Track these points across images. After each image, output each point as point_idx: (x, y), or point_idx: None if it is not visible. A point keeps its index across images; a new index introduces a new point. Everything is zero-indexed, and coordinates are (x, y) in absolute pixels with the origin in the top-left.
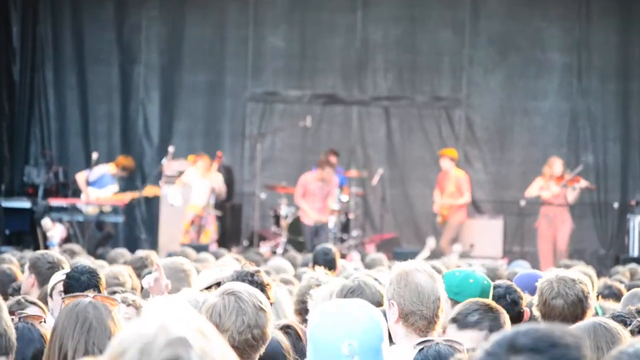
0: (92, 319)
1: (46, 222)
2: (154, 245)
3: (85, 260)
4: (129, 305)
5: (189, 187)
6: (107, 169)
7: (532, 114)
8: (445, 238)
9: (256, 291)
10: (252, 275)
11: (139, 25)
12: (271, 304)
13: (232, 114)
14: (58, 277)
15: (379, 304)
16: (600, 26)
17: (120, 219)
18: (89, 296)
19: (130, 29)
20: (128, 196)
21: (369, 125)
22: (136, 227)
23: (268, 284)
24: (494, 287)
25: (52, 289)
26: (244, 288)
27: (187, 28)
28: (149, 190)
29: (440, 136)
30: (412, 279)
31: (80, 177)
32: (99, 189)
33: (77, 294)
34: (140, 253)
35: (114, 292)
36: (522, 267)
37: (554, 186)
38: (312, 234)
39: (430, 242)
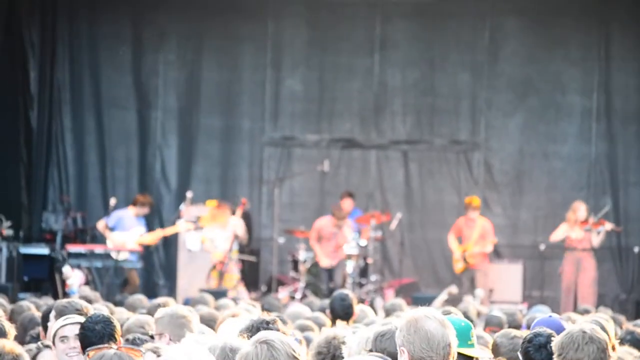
0: None
1: (67, 269)
2: (172, 290)
3: (101, 307)
4: (159, 355)
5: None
6: (124, 212)
7: (551, 157)
8: (483, 286)
9: (290, 340)
10: (268, 323)
11: (156, 70)
12: None
13: (250, 159)
14: (59, 324)
15: None
16: (620, 68)
17: (138, 264)
18: (112, 348)
19: (148, 73)
20: (158, 234)
21: (387, 169)
22: (154, 272)
23: (285, 333)
24: (535, 336)
25: (54, 335)
26: (277, 337)
27: (204, 72)
28: (180, 226)
29: (459, 180)
30: (422, 325)
31: (100, 224)
32: (123, 232)
33: (101, 346)
34: (158, 300)
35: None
36: (541, 312)
37: (579, 230)
38: (328, 277)
39: (452, 288)
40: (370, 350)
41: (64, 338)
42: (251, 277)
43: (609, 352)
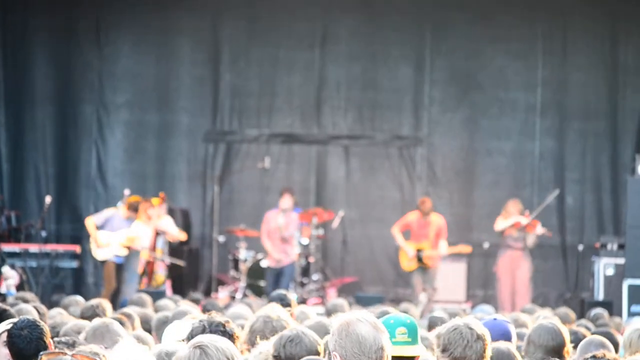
0: None
1: (6, 269)
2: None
3: (30, 309)
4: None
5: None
6: (114, 212)
7: (495, 153)
8: (432, 286)
9: (227, 344)
10: (223, 325)
11: (91, 64)
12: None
13: (188, 155)
14: (2, 327)
15: (317, 353)
16: (564, 63)
17: (74, 264)
18: (67, 354)
19: (83, 67)
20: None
21: (328, 164)
22: (91, 272)
23: (236, 335)
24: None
25: None
26: (213, 341)
27: (141, 66)
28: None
29: (401, 176)
30: (354, 329)
31: (89, 222)
32: (112, 232)
33: (56, 351)
34: (92, 302)
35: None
36: (485, 313)
37: (522, 218)
38: (274, 278)
39: (422, 298)
40: (277, 356)
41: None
42: (191, 277)
43: (488, 351)
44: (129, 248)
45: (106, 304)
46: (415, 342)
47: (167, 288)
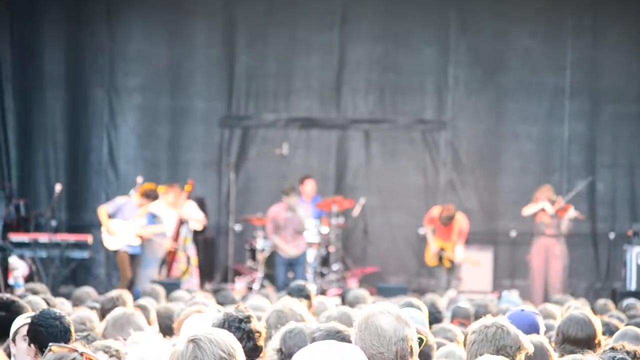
0: None
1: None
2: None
3: (39, 301)
4: (111, 355)
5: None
6: (127, 200)
7: (522, 138)
8: (458, 278)
9: (224, 337)
10: (241, 321)
11: (102, 46)
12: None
13: (203, 141)
14: (21, 320)
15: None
16: (593, 45)
17: (85, 254)
18: (77, 351)
19: (94, 50)
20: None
21: (348, 150)
22: (102, 263)
23: (258, 332)
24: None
25: (15, 333)
26: (208, 335)
27: (153, 48)
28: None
29: (424, 161)
30: (373, 321)
31: (101, 211)
32: (123, 221)
33: (65, 345)
34: (112, 293)
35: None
36: (511, 303)
37: (549, 205)
38: (286, 267)
39: (451, 293)
40: (280, 349)
41: (25, 337)
42: (206, 267)
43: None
44: (142, 238)
45: (127, 296)
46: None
47: (195, 277)
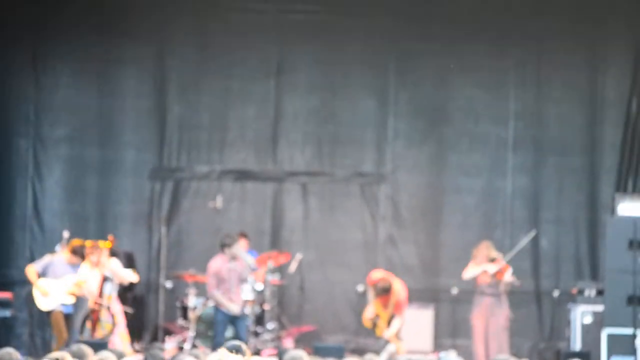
0: None
1: None
2: (45, 343)
3: None
4: None
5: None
6: (55, 258)
7: (464, 192)
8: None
9: None
10: None
11: (27, 94)
12: None
13: (133, 194)
14: None
15: None
16: (537, 95)
17: (7, 313)
18: None
19: (17, 98)
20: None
21: (284, 203)
22: (26, 322)
23: None
24: None
25: None
26: None
27: (82, 97)
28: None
29: (364, 216)
30: None
31: (30, 270)
32: (55, 278)
33: None
34: (54, 355)
35: None
36: None
37: (491, 266)
38: (225, 326)
39: (390, 348)
40: None
41: None
42: (135, 326)
43: None
44: (76, 295)
45: (69, 358)
46: None
47: (118, 336)
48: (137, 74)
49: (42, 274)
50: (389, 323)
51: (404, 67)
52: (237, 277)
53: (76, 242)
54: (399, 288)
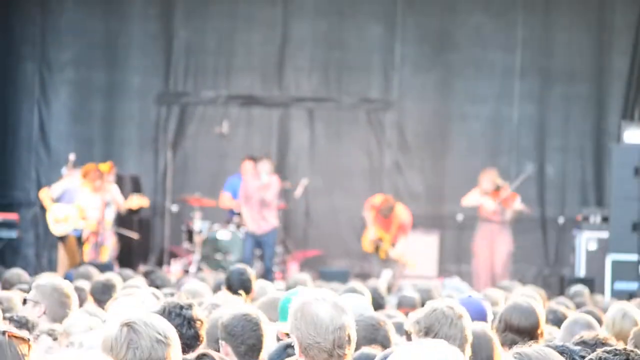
0: None
1: None
2: (52, 264)
3: None
4: (55, 338)
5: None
6: (71, 183)
7: (470, 119)
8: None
9: (159, 321)
10: (182, 308)
11: (34, 18)
12: (200, 341)
13: (139, 118)
14: None
15: None
16: (545, 23)
17: (14, 234)
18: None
19: (24, 22)
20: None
21: (290, 129)
22: (32, 243)
23: (199, 320)
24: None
25: None
26: (142, 318)
27: (88, 21)
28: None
29: (370, 142)
30: (309, 309)
31: (43, 194)
32: (69, 203)
33: None
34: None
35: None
36: (456, 290)
37: (490, 201)
38: (252, 246)
39: (385, 274)
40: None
41: None
42: (141, 249)
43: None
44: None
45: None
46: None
47: (112, 260)
48: None
49: (58, 199)
50: (392, 245)
51: None
52: (258, 198)
53: (89, 167)
54: (402, 209)
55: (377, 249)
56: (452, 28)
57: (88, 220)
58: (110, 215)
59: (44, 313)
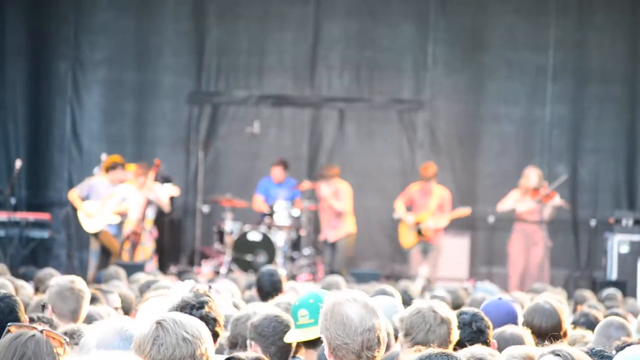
0: (31, 356)
1: None
2: (83, 264)
3: (5, 282)
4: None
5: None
6: (96, 179)
7: (502, 120)
8: (434, 263)
9: (189, 321)
10: (192, 307)
11: (67, 17)
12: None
13: (171, 118)
14: None
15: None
16: (578, 23)
17: (46, 234)
18: (37, 329)
19: (59, 21)
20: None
21: (322, 129)
22: (64, 243)
23: (214, 319)
24: (459, 314)
25: None
26: (174, 317)
27: (121, 21)
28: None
29: (401, 143)
30: (339, 309)
31: (73, 194)
32: (99, 200)
33: (27, 325)
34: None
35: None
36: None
37: (530, 201)
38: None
39: (422, 271)
40: (228, 337)
41: None
42: (172, 250)
43: (454, 335)
44: (121, 214)
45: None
46: (316, 322)
47: (153, 262)
48: None
49: (86, 197)
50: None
51: None
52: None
53: (112, 158)
54: (442, 189)
55: (419, 232)
56: (484, 28)
57: (127, 218)
58: (151, 215)
59: (53, 312)
